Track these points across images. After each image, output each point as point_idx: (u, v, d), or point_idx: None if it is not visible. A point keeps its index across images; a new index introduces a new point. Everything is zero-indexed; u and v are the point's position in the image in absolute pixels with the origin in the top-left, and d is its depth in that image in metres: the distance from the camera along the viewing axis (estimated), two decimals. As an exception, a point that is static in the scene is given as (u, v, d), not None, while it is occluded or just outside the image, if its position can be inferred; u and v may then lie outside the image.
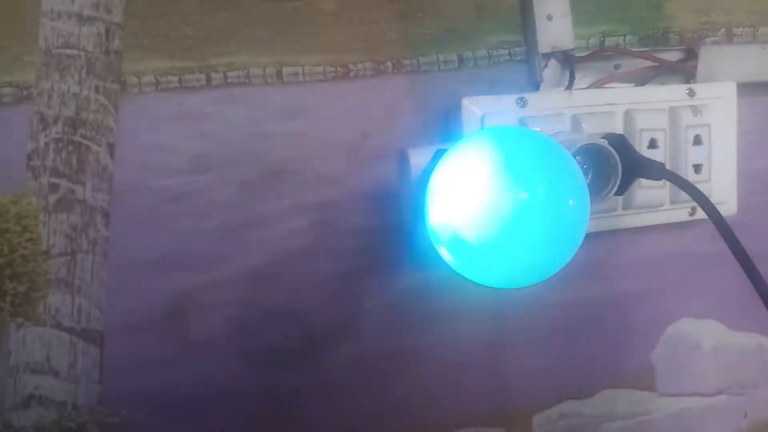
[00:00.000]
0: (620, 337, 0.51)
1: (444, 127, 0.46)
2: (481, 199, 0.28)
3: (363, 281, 0.46)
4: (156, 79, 0.43)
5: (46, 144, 0.42)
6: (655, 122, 0.45)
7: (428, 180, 0.39)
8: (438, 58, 0.47)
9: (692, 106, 0.46)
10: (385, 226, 0.46)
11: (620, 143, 0.41)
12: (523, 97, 0.44)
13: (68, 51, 0.42)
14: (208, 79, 0.44)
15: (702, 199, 0.36)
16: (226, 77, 0.44)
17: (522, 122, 0.44)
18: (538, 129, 0.43)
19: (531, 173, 0.29)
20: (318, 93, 0.45)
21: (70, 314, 0.43)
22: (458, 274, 0.31)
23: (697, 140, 0.46)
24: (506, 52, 0.48)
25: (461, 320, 0.48)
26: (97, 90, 0.43)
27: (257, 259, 0.45)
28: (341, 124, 0.46)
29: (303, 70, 0.45)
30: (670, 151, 0.46)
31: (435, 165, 0.39)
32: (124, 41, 0.43)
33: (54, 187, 0.43)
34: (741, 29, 0.51)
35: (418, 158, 0.39)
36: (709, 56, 0.47)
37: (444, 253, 0.30)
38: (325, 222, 0.46)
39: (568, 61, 0.47)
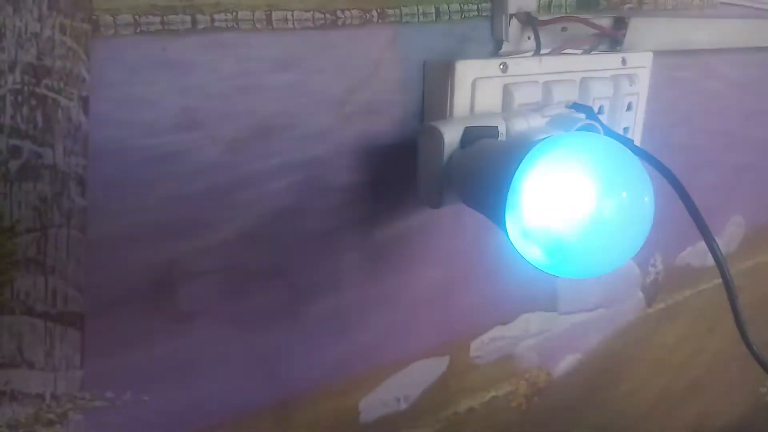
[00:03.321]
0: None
1: (425, 85, 0.47)
2: (584, 206, 0.31)
3: (346, 237, 0.46)
4: (134, 19, 0.36)
5: (2, 97, 0.34)
6: (604, 90, 0.50)
7: (458, 159, 0.40)
8: (418, 10, 0.46)
9: (628, 75, 0.52)
10: (370, 182, 0.46)
11: (593, 116, 0.46)
12: (505, 63, 0.46)
13: (25, -22, 0.33)
14: (194, 21, 0.38)
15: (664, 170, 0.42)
16: (213, 20, 0.39)
17: (506, 89, 0.46)
18: (521, 95, 0.46)
19: (621, 177, 0.32)
20: (307, 42, 0.42)
21: (43, 298, 0.37)
22: (543, 269, 0.33)
23: (629, 106, 0.52)
24: (475, 7, 0.48)
25: (425, 266, 0.51)
26: (62, 30, 0.35)
27: (245, 222, 0.42)
28: (329, 76, 0.43)
29: (292, 15, 0.41)
30: (609, 117, 0.52)
31: (465, 143, 0.41)
32: (95, -30, 0.35)
33: (15, 151, 0.35)
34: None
35: (450, 135, 0.39)
36: (636, 26, 0.53)
37: (537, 253, 0.32)
38: (311, 180, 0.44)
39: (531, 23, 0.49)
